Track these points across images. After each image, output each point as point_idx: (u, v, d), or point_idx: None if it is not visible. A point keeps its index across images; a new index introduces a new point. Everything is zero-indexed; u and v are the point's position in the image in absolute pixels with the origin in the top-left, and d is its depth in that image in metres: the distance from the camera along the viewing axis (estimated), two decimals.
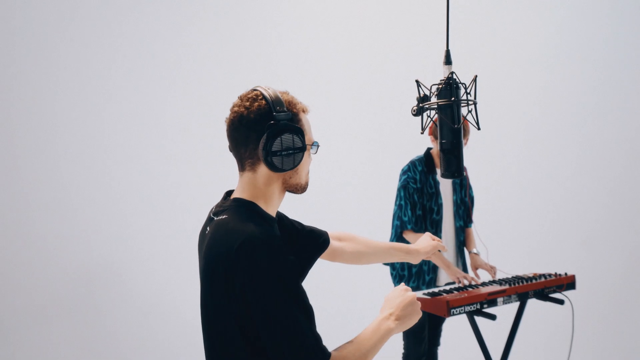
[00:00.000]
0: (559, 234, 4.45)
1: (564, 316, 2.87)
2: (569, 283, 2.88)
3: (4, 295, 4.03)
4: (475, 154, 3.14)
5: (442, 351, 3.28)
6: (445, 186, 3.14)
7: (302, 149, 1.39)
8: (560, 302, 2.82)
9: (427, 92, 1.36)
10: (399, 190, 3.07)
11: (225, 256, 1.30)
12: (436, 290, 2.77)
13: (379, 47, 4.48)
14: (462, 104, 1.36)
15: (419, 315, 1.45)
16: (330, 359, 1.28)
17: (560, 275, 2.92)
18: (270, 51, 4.41)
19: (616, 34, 4.53)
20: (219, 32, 4.35)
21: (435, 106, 1.34)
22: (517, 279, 2.90)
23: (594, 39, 4.52)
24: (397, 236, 3.04)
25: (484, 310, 2.62)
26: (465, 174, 3.20)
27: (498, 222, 4.25)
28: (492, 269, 3.11)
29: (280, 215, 1.63)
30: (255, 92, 1.40)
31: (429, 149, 3.18)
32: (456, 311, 2.53)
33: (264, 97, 1.38)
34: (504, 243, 3.87)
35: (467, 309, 2.56)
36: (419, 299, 2.61)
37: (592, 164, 4.54)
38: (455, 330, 3.50)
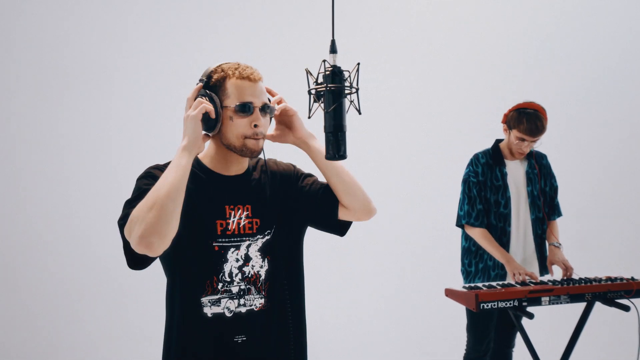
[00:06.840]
0: None
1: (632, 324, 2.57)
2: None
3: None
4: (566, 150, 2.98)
5: (517, 353, 3.13)
6: (516, 178, 2.99)
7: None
8: (626, 308, 2.54)
9: (316, 80, 1.44)
10: (461, 183, 3.01)
11: None
12: (481, 284, 2.69)
13: None
14: (347, 91, 1.41)
15: (194, 122, 1.46)
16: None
17: (634, 279, 2.62)
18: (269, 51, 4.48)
19: None
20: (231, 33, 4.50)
21: (322, 92, 1.42)
22: (581, 280, 2.67)
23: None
24: (460, 227, 3.01)
25: (523, 307, 2.49)
26: (534, 163, 3.01)
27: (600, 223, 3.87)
28: (567, 269, 2.89)
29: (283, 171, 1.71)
30: None
31: (498, 141, 3.06)
32: (487, 306, 2.45)
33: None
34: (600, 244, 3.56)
35: (501, 305, 2.46)
36: (456, 291, 2.57)
37: None
38: (533, 332, 3.30)
